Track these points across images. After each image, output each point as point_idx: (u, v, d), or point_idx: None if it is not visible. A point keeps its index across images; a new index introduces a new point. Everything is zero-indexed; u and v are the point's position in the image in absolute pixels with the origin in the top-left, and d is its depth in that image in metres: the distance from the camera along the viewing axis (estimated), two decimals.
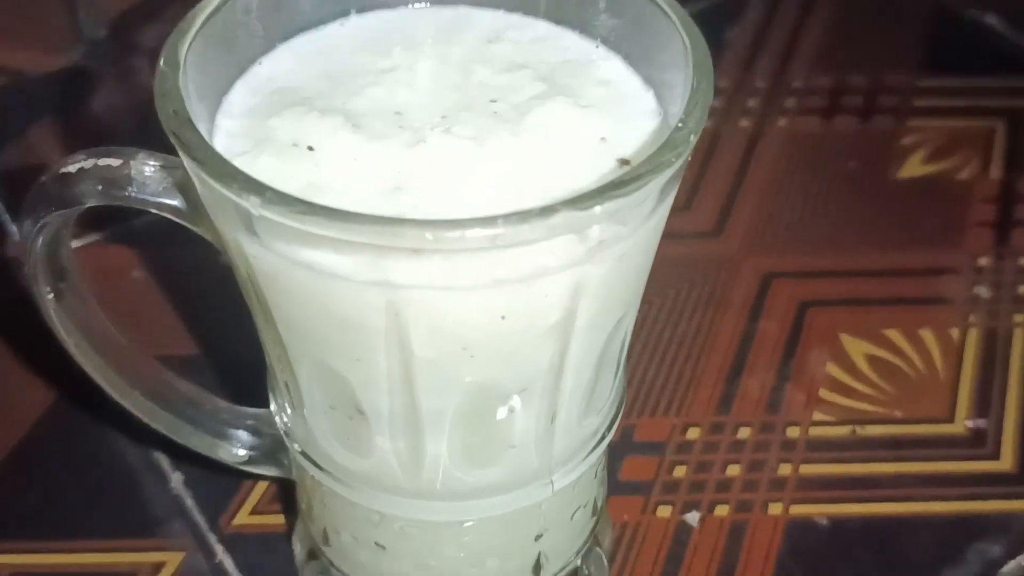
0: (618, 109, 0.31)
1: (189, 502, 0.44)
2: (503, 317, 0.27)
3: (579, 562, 0.39)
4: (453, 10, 0.34)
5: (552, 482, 0.33)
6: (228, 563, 0.42)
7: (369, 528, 0.34)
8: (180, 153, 0.27)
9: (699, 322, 0.52)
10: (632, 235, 0.28)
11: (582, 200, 0.25)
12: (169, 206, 0.30)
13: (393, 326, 0.27)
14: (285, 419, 0.35)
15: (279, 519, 0.44)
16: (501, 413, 0.30)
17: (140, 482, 0.45)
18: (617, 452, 0.46)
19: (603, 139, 0.30)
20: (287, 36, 0.33)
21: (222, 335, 0.49)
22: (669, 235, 0.32)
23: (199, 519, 0.44)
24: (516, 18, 0.34)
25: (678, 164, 0.27)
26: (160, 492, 0.44)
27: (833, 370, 0.50)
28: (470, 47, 0.33)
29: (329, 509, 0.35)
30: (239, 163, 0.29)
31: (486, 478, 0.32)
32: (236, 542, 0.43)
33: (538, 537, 0.35)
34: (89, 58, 0.64)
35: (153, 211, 0.31)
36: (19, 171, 0.57)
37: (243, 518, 0.44)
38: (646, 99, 0.32)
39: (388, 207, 0.28)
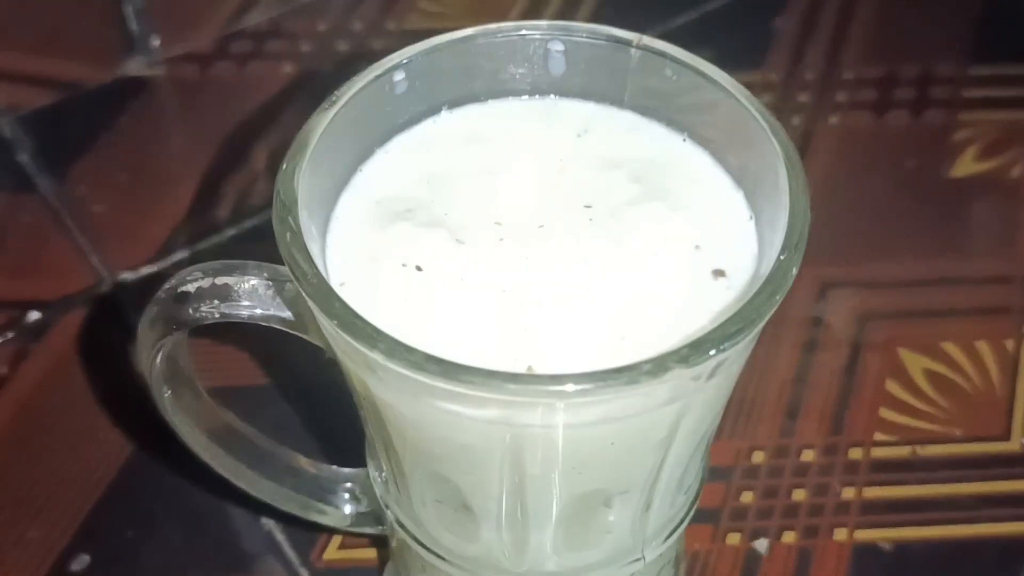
0: (710, 213, 0.32)
1: (280, 537, 0.46)
2: (612, 443, 0.29)
3: None
4: (541, 101, 0.35)
5: (644, 556, 0.35)
6: None
7: None
8: (301, 291, 0.28)
9: (758, 340, 0.53)
10: (736, 359, 0.29)
11: (694, 355, 0.26)
12: (281, 319, 0.32)
13: (508, 452, 0.29)
14: (387, 492, 0.36)
15: (368, 553, 0.46)
16: (602, 511, 0.32)
17: (232, 517, 0.47)
18: None
19: (697, 247, 0.31)
20: (384, 139, 0.34)
21: (298, 367, 0.50)
22: None
23: (291, 554, 0.46)
24: (603, 109, 0.35)
25: (782, 298, 0.28)
26: (252, 527, 0.46)
27: (893, 387, 0.51)
28: (561, 141, 0.34)
29: (428, 575, 0.37)
30: (350, 290, 0.30)
31: (583, 559, 0.34)
32: None
33: None
34: (143, 67, 0.64)
35: (263, 324, 0.32)
36: (89, 189, 0.59)
37: (332, 552, 0.46)
38: (736, 199, 0.33)
39: (497, 330, 0.29)
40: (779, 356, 0.52)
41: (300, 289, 0.28)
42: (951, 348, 0.52)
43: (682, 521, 0.36)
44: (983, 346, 0.52)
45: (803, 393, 0.51)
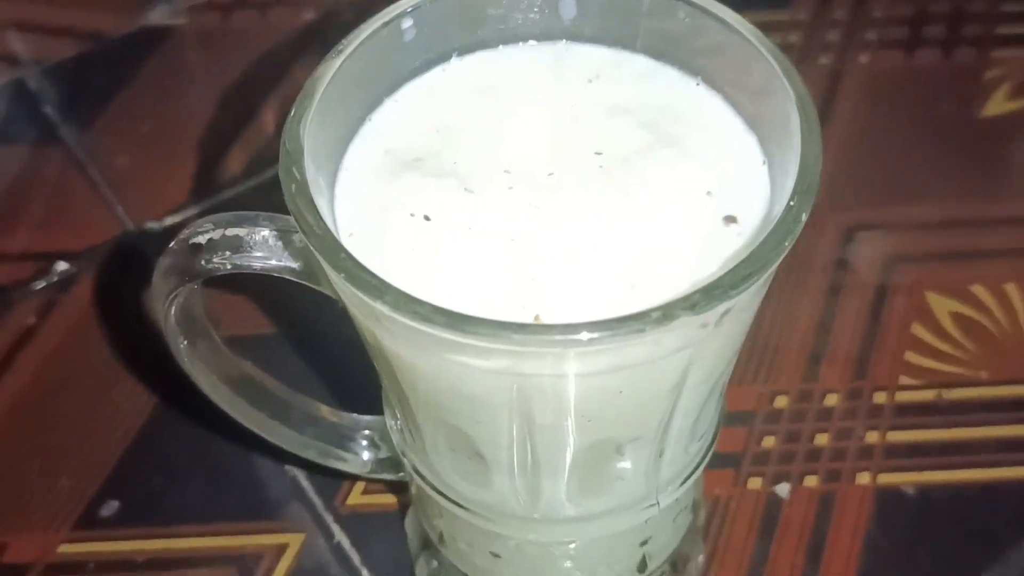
0: (722, 158, 0.32)
1: (305, 483, 0.47)
2: (621, 392, 0.29)
3: (677, 546, 0.41)
4: (552, 46, 0.35)
5: (658, 502, 0.35)
6: (346, 543, 0.45)
7: (485, 541, 0.37)
8: (307, 241, 0.28)
9: (782, 284, 0.52)
10: (747, 306, 0.29)
11: (702, 303, 0.26)
12: (292, 270, 0.32)
13: (516, 402, 0.29)
14: (403, 440, 0.37)
15: (390, 498, 0.46)
16: (614, 458, 0.32)
17: (257, 464, 0.47)
18: None
19: (709, 193, 0.31)
20: (393, 88, 0.34)
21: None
22: None
23: (316, 500, 0.46)
24: (615, 53, 0.34)
25: (792, 244, 0.28)
26: (277, 473, 0.47)
27: (919, 331, 0.50)
28: (572, 88, 0.34)
29: (446, 520, 0.38)
30: (359, 240, 0.30)
31: (597, 506, 0.34)
32: (352, 522, 0.46)
33: (643, 543, 0.38)
34: (166, 16, 0.64)
35: (275, 274, 0.32)
36: (113, 140, 0.59)
37: (356, 498, 0.46)
38: (749, 144, 0.32)
39: (506, 279, 0.29)
40: (804, 300, 0.52)
41: (307, 241, 0.28)
42: (979, 290, 0.52)
43: (697, 467, 0.36)
44: (1012, 288, 0.52)
45: (827, 337, 0.50)
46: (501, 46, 0.35)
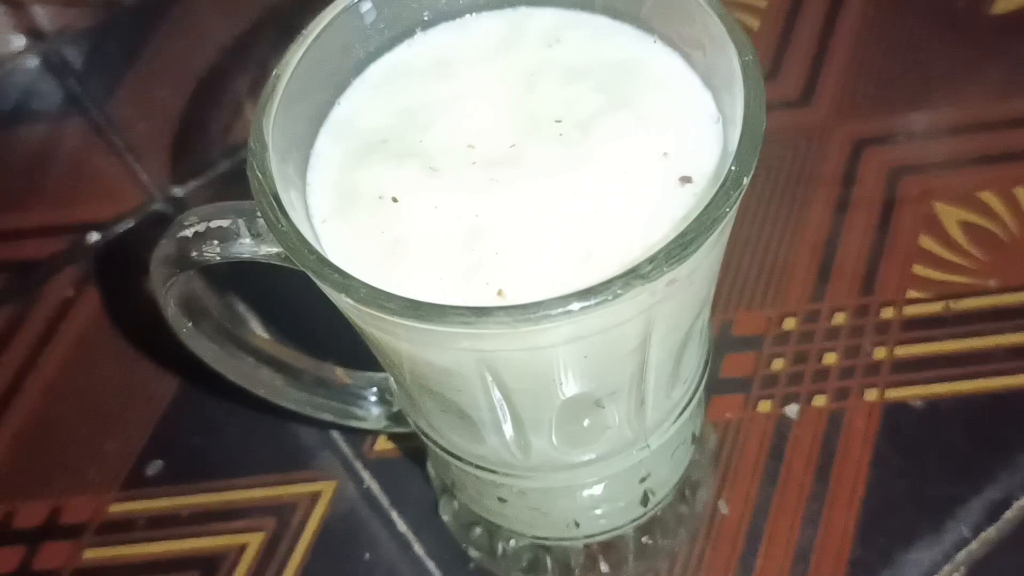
0: (678, 118, 0.32)
1: (335, 433, 0.49)
2: (585, 357, 0.30)
3: (683, 476, 0.43)
4: (512, 12, 0.35)
5: (648, 445, 0.36)
6: (375, 488, 0.48)
7: (490, 487, 0.39)
8: (275, 238, 0.30)
9: (789, 204, 0.53)
10: (700, 265, 0.30)
11: (652, 271, 0.27)
12: (280, 255, 0.33)
13: (488, 373, 0.30)
14: (402, 400, 0.38)
15: (415, 441, 0.48)
16: (595, 411, 0.34)
17: (289, 417, 0.49)
18: (718, 349, 0.49)
19: (665, 154, 0.32)
20: (359, 69, 0.35)
21: None
22: None
23: (345, 448, 0.49)
24: (573, 15, 0.35)
25: (736, 206, 0.28)
26: (308, 425, 0.49)
27: (926, 242, 0.51)
28: (531, 54, 0.35)
29: (453, 470, 0.40)
30: (331, 226, 0.32)
31: (587, 453, 0.36)
32: (380, 467, 0.48)
33: (643, 480, 0.39)
34: None
35: (263, 261, 0.34)
36: (134, 107, 0.61)
37: (383, 443, 0.49)
38: (705, 102, 0.33)
39: (470, 257, 0.31)
40: (810, 218, 0.52)
41: (276, 238, 0.30)
42: (988, 196, 0.52)
43: (685, 408, 0.37)
44: (1022, 192, 0.52)
45: (834, 255, 0.51)
46: (465, 15, 0.35)
